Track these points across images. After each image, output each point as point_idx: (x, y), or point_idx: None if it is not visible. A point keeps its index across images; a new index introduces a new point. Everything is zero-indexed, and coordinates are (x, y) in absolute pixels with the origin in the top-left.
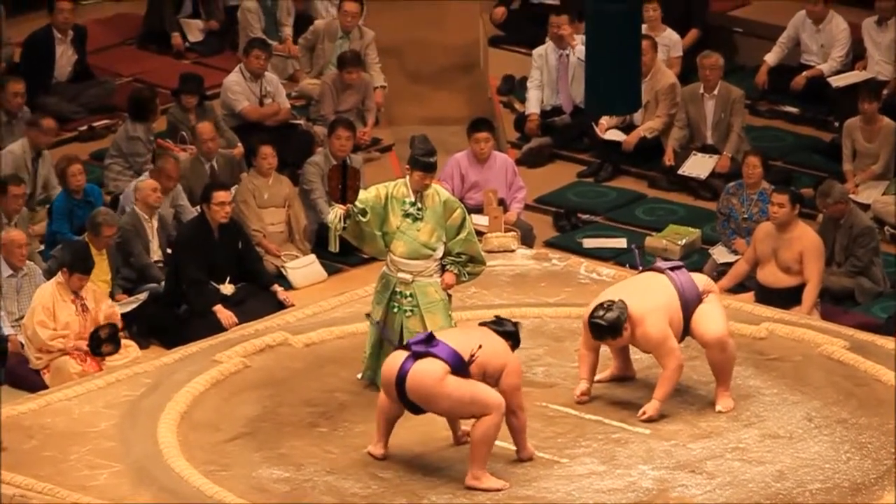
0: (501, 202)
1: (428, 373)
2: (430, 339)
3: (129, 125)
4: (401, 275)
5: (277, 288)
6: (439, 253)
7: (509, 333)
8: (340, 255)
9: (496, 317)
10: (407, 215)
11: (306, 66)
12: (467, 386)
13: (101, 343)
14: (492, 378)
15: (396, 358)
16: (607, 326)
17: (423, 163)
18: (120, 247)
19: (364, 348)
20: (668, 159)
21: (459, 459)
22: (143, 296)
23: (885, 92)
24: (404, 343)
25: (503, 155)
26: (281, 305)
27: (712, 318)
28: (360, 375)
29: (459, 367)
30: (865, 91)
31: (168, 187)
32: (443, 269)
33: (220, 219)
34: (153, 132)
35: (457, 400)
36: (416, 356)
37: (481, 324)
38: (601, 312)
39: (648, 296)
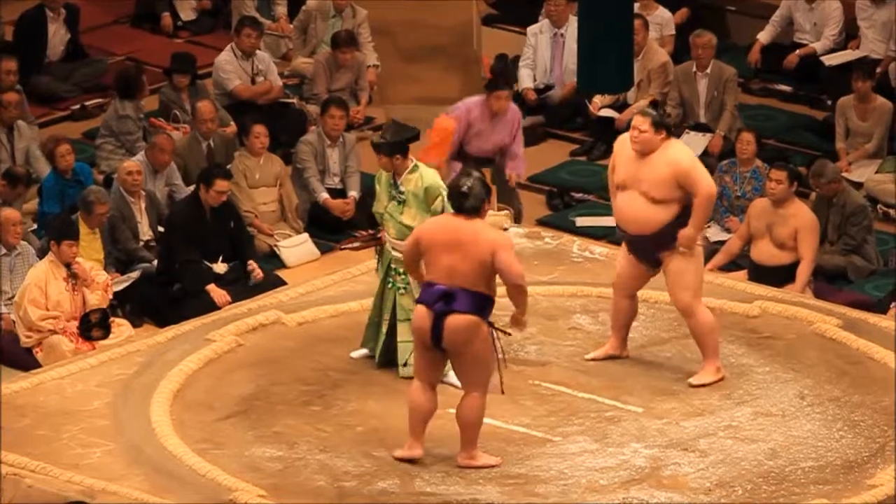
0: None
1: (465, 324)
2: (447, 296)
3: (118, 104)
4: (395, 253)
5: (253, 265)
6: None
7: (476, 201)
8: (333, 233)
9: (455, 192)
10: (392, 198)
11: (300, 47)
12: (487, 349)
13: (91, 327)
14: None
15: (424, 313)
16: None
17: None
18: (107, 231)
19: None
20: None
21: (453, 437)
22: (135, 274)
23: (878, 70)
24: (389, 318)
25: (514, 106)
26: (274, 284)
27: (682, 280)
28: (354, 353)
29: (485, 307)
30: (859, 69)
31: (162, 161)
32: None
33: (215, 204)
34: (143, 110)
35: (477, 357)
36: (442, 315)
37: (455, 212)
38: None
39: None
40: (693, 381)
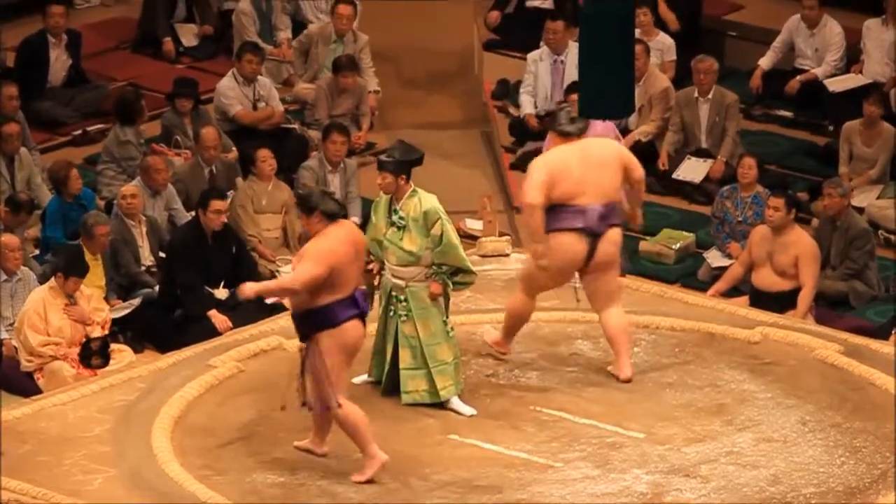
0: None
1: None
2: (361, 298)
3: (119, 129)
4: (395, 281)
5: None
6: (428, 260)
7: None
8: None
9: (331, 198)
10: (392, 224)
11: (300, 69)
12: None
13: (91, 355)
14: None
15: (359, 323)
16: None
17: (377, 160)
18: (110, 256)
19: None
20: (663, 164)
21: (454, 462)
22: (136, 301)
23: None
24: (392, 347)
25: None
26: (276, 310)
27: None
28: (356, 379)
29: None
30: (874, 94)
31: (158, 182)
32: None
33: (214, 226)
34: (143, 135)
35: None
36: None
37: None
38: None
39: None
40: (487, 339)
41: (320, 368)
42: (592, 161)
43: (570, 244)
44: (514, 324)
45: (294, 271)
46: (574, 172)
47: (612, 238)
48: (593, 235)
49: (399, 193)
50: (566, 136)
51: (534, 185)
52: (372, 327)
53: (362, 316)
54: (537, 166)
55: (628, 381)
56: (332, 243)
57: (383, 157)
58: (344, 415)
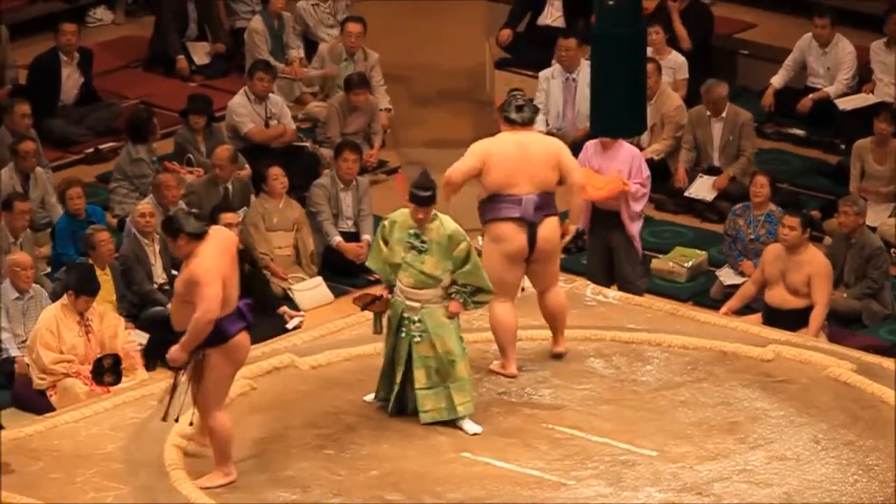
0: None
1: None
2: (246, 308)
3: (131, 147)
4: (409, 303)
5: (286, 309)
6: (446, 281)
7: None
8: (347, 277)
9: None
10: (412, 247)
11: (319, 66)
12: None
13: (103, 372)
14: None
15: (246, 336)
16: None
17: (415, 196)
18: (122, 274)
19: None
20: (681, 181)
21: (467, 480)
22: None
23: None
24: (403, 368)
25: (633, 148)
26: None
27: None
28: (368, 397)
29: None
30: (885, 112)
31: (171, 199)
32: (451, 296)
33: None
34: (156, 152)
35: None
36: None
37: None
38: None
39: None
40: (492, 368)
41: (203, 382)
42: (530, 153)
43: (510, 234)
44: (504, 339)
45: (198, 304)
46: (509, 161)
47: (551, 227)
48: (530, 224)
49: (417, 218)
50: (510, 124)
51: (460, 166)
52: (372, 348)
53: (249, 328)
54: (472, 151)
55: (562, 354)
56: (213, 260)
57: (423, 194)
58: (220, 427)
